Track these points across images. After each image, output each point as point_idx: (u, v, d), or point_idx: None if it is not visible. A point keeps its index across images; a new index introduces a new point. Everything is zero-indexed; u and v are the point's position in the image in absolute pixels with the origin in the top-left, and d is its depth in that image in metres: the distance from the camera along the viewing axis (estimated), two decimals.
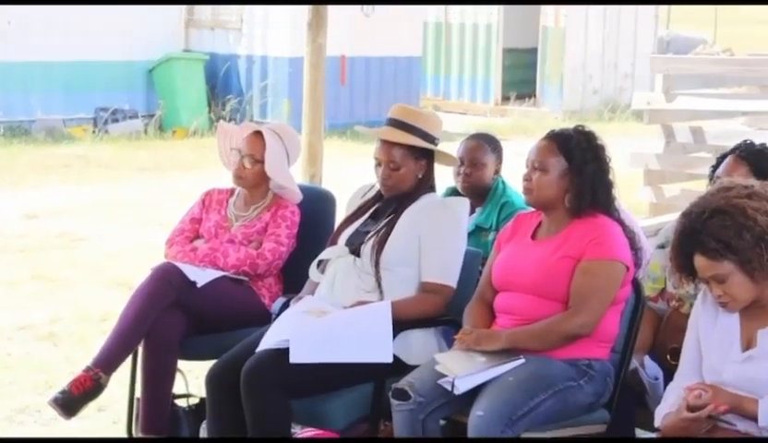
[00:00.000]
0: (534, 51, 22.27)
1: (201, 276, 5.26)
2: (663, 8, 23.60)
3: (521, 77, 22.64)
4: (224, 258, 5.40)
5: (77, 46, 17.45)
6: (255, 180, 5.53)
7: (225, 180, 5.80)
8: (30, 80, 16.58)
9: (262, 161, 5.48)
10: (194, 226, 5.63)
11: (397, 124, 4.98)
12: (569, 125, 4.91)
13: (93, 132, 17.02)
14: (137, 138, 16.95)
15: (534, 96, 22.29)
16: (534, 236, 4.71)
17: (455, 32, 22.95)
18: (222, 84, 18.62)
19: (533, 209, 4.80)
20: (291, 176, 5.67)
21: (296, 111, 16.15)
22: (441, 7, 22.89)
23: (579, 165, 4.56)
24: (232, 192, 5.68)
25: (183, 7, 19.06)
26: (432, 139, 4.99)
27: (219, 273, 5.32)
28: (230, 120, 17.69)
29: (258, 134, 5.55)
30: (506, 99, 22.56)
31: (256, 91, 18.43)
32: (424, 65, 21.42)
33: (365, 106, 18.73)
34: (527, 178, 4.64)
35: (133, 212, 11.79)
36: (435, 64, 23.10)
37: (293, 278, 5.41)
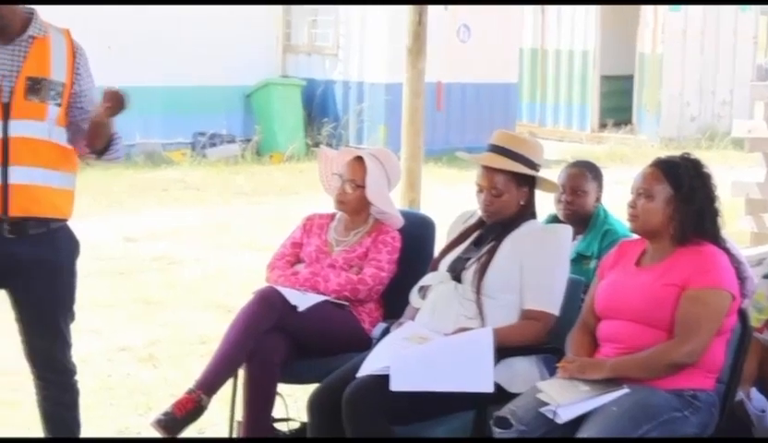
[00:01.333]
0: (630, 78, 22.11)
1: (302, 300, 5.28)
2: (762, 34, 23.25)
3: (617, 104, 22.48)
4: (325, 283, 5.41)
5: (176, 71, 17.67)
6: (356, 205, 5.54)
7: (321, 204, 5.83)
8: (131, 105, 16.74)
9: (363, 187, 5.49)
10: (295, 250, 5.65)
11: (499, 150, 4.96)
12: (666, 152, 4.87)
13: (191, 156, 17.22)
14: (234, 163, 17.10)
15: (631, 123, 22.11)
16: (638, 264, 4.66)
17: (551, 59, 22.87)
18: (318, 109, 18.74)
19: (637, 237, 4.75)
20: (391, 201, 5.68)
21: (392, 136, 16.24)
22: (537, 33, 22.83)
23: (686, 193, 4.51)
24: (333, 217, 5.70)
25: (280, 33, 19.24)
26: (534, 166, 4.97)
27: (320, 298, 5.33)
28: (326, 146, 17.81)
29: (360, 159, 5.56)
30: (602, 126, 22.42)
31: (352, 116, 18.52)
32: (519, 91, 21.37)
33: (461, 132, 18.71)
34: (632, 205, 4.60)
35: (230, 236, 11.88)
36: (531, 90, 23.03)
37: (393, 303, 5.40)
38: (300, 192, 14.21)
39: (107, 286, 9.28)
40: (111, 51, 16.31)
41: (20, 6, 4.66)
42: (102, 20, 15.87)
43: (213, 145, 17.63)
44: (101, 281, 9.38)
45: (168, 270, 10.22)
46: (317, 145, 17.79)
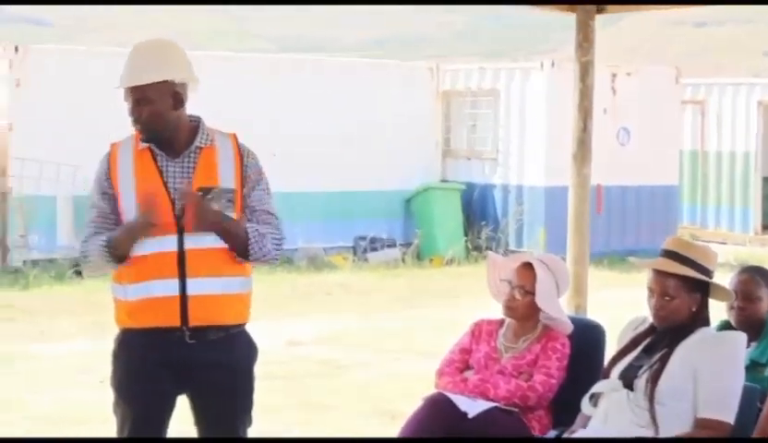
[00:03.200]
0: None
1: (472, 407, 5.28)
2: None
3: None
4: (495, 390, 5.41)
5: (337, 177, 17.99)
6: (525, 311, 5.55)
7: (482, 309, 5.85)
8: (293, 210, 17.11)
9: (533, 293, 5.50)
10: (463, 357, 5.67)
11: (672, 255, 4.94)
12: None
13: (353, 260, 17.42)
14: (395, 267, 17.24)
15: None
16: None
17: (712, 161, 22.62)
18: (477, 213, 18.83)
19: None
20: (561, 308, 5.68)
21: (552, 239, 16.23)
22: (697, 135, 22.63)
23: None
24: (501, 323, 5.71)
25: (440, 138, 19.46)
26: (707, 273, 4.93)
27: (490, 404, 5.33)
28: (486, 249, 17.85)
29: (529, 265, 5.58)
30: (765, 228, 22.03)
31: (511, 220, 18.55)
32: (680, 193, 21.16)
33: (621, 235, 18.59)
34: None
35: (392, 341, 11.93)
36: (691, 192, 22.78)
37: (563, 410, 5.37)
38: (461, 296, 14.23)
39: (274, 390, 9.38)
40: (275, 157, 16.67)
41: (186, 116, 4.78)
42: (266, 126, 16.25)
43: (374, 249, 17.83)
44: (267, 385, 9.46)
45: (333, 375, 10.30)
46: (477, 249, 17.87)
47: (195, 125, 4.78)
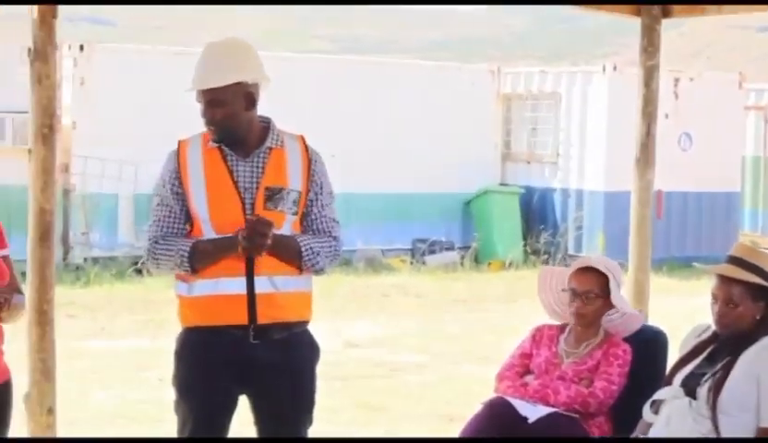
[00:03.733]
0: None
1: (532, 412, 5.27)
2: None
3: None
4: (555, 395, 5.38)
5: (396, 179, 17.99)
6: (595, 317, 5.53)
7: (540, 313, 5.82)
8: (352, 211, 17.13)
9: (600, 296, 5.48)
10: (524, 361, 5.65)
11: (738, 261, 4.89)
12: None
13: (411, 263, 17.41)
14: (453, 270, 17.22)
15: None
16: None
17: None
18: (536, 217, 18.76)
19: None
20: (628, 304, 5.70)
21: (611, 244, 16.14)
22: (760, 141, 22.40)
23: None
24: (563, 328, 5.68)
25: (500, 142, 19.42)
26: None
27: (549, 409, 5.31)
28: (544, 253, 17.79)
29: (588, 270, 5.55)
30: None
31: (570, 225, 18.47)
32: (742, 199, 20.97)
33: (681, 241, 18.47)
34: None
35: (449, 344, 11.92)
36: (753, 198, 22.54)
37: (623, 417, 5.33)
38: (519, 300, 14.18)
39: (331, 391, 9.39)
40: (335, 159, 16.69)
41: (257, 116, 4.79)
42: (325, 127, 16.28)
43: (432, 252, 17.82)
44: (325, 385, 9.48)
45: (390, 377, 10.31)
46: (535, 253, 17.81)
47: (265, 125, 4.79)
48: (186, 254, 4.67)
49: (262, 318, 4.67)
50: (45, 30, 5.48)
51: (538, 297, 5.80)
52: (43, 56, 5.46)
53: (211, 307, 4.70)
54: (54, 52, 5.51)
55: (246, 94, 4.69)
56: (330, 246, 4.77)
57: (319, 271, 4.79)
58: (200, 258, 4.66)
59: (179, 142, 4.83)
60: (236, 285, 4.66)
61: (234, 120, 4.68)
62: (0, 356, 4.33)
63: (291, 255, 4.68)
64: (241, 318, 4.67)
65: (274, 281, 4.68)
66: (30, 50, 5.49)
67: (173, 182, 4.75)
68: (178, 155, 4.78)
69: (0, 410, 4.35)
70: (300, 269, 4.72)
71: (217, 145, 4.73)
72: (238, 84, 4.67)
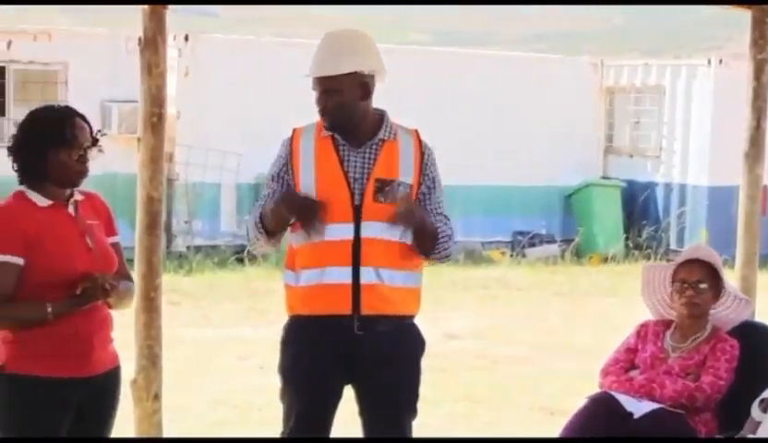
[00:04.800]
0: None
1: (638, 407, 5.22)
2: None
3: None
4: (661, 390, 5.33)
5: (496, 171, 17.93)
6: (706, 306, 5.50)
7: (641, 308, 5.77)
8: (452, 203, 17.03)
9: (711, 286, 5.45)
10: (629, 356, 5.60)
11: None
12: None
13: (511, 255, 17.35)
14: (553, 263, 17.13)
15: None
16: None
17: None
18: (638, 211, 18.58)
19: None
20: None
21: (714, 240, 15.90)
22: None
23: None
24: (668, 324, 5.62)
25: (602, 135, 19.27)
26: None
27: (655, 405, 5.25)
28: (646, 248, 17.62)
29: (695, 261, 5.50)
30: None
31: (673, 219, 18.26)
32: None
33: None
34: None
35: (550, 337, 11.85)
36: None
37: (730, 414, 5.27)
38: (620, 295, 14.06)
39: (432, 383, 9.36)
40: (436, 150, 16.69)
41: (372, 107, 4.80)
42: (426, 119, 16.25)
43: (532, 245, 17.75)
44: (425, 377, 9.50)
45: (490, 369, 10.28)
46: (637, 247, 17.65)
47: (379, 117, 4.80)
48: (258, 215, 4.76)
49: (366, 309, 4.68)
50: (155, 20, 5.54)
51: (641, 296, 5.74)
52: (153, 46, 5.53)
53: (317, 296, 4.72)
54: (164, 41, 5.57)
55: (361, 84, 4.72)
56: (450, 235, 4.82)
57: (442, 258, 4.82)
58: (265, 213, 4.75)
59: (294, 129, 4.86)
60: (342, 274, 4.67)
61: (347, 109, 4.70)
62: (110, 343, 4.39)
63: (431, 234, 4.73)
64: (345, 308, 4.68)
65: (380, 273, 4.69)
66: (140, 39, 5.56)
67: (283, 168, 4.81)
68: (291, 142, 4.82)
69: (109, 395, 4.40)
70: (428, 254, 4.76)
71: (330, 134, 4.75)
72: (354, 73, 4.69)
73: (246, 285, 14.15)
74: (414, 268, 4.82)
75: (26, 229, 4.12)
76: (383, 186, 4.69)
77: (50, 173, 4.19)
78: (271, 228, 4.74)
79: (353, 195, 4.69)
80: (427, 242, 4.73)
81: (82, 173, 4.24)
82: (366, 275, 4.67)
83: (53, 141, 4.17)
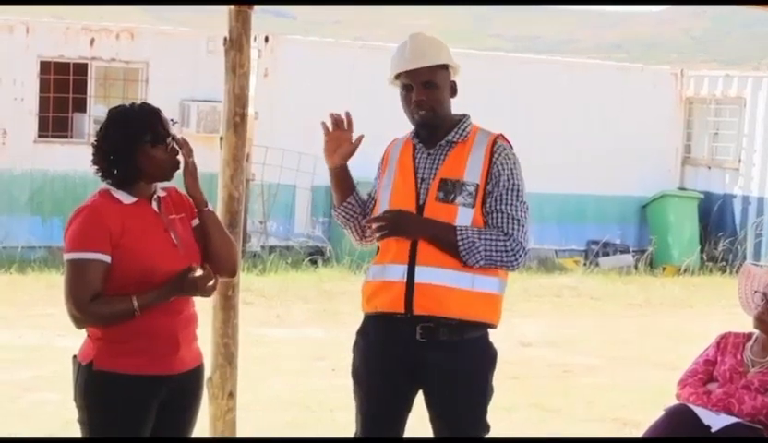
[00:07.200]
0: None
1: (716, 421, 5.17)
2: None
3: None
4: (739, 405, 5.27)
5: (572, 179, 17.85)
6: None
7: (716, 321, 5.70)
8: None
9: None
10: (708, 368, 5.54)
11: None
12: None
13: (584, 264, 17.26)
14: (627, 273, 17.02)
15: None
16: None
17: None
18: (715, 223, 18.41)
19: None
20: None
21: None
22: None
23: None
24: (749, 336, 5.56)
25: (680, 145, 19.12)
26: None
27: (733, 419, 5.20)
28: (722, 260, 17.45)
29: None
30: None
31: (750, 232, 18.07)
32: None
33: None
34: None
35: (623, 347, 11.77)
36: None
37: None
38: (695, 307, 13.94)
39: (505, 390, 9.35)
40: None
41: (454, 115, 4.80)
42: (503, 125, 16.21)
43: (606, 254, 17.65)
44: (499, 384, 9.48)
45: (563, 378, 10.23)
46: (712, 260, 17.48)
47: (458, 119, 4.80)
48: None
49: (418, 309, 4.58)
50: (241, 21, 5.58)
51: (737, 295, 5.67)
52: (238, 46, 5.57)
53: (377, 293, 4.71)
54: (249, 42, 5.60)
55: (451, 82, 4.77)
56: (500, 243, 4.60)
57: (492, 265, 4.58)
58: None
59: (393, 140, 4.95)
60: (398, 272, 4.64)
61: (441, 105, 4.72)
62: (194, 341, 4.41)
63: (446, 245, 4.59)
64: (398, 306, 4.62)
65: (436, 273, 4.60)
66: (225, 39, 5.59)
67: (378, 172, 4.90)
68: (387, 147, 4.92)
69: (192, 393, 4.42)
70: (462, 262, 4.60)
71: (414, 138, 4.78)
72: (446, 69, 4.74)
73: (319, 286, 14.19)
74: (481, 271, 4.62)
75: (112, 227, 4.14)
76: (446, 187, 4.66)
77: (144, 169, 4.22)
78: (338, 201, 4.96)
79: (418, 194, 4.70)
80: (445, 249, 4.61)
81: (176, 165, 4.28)
82: (421, 274, 4.60)
83: (147, 138, 4.20)
